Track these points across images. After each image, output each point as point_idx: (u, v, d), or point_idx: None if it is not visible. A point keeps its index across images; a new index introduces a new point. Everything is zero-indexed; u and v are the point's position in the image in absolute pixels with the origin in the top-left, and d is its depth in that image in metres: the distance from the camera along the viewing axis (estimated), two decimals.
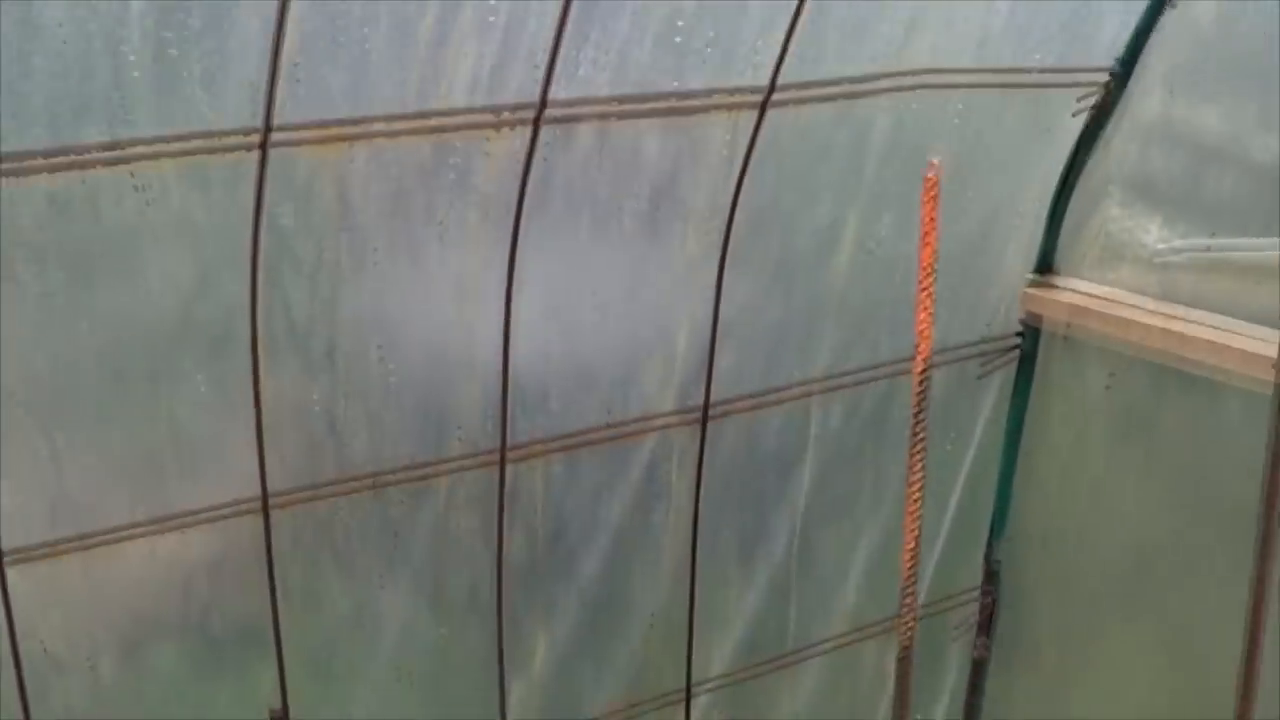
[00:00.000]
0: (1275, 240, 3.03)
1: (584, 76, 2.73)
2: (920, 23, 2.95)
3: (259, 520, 2.70)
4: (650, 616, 3.25)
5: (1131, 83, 3.28)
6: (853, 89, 3.00)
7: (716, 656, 3.40)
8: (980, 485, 3.70)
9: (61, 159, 2.34)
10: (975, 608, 3.78)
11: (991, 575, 3.78)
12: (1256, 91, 3.06)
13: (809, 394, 3.30)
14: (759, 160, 2.99)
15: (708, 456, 3.19)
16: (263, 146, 2.49)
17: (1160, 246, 3.29)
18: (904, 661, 2.88)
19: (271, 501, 2.70)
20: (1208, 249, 3.19)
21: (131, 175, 2.41)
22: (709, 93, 2.86)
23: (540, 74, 2.66)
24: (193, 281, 2.55)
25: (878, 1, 2.89)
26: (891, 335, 3.36)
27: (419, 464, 2.86)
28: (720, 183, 3.00)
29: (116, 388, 2.54)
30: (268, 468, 2.68)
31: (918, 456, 2.74)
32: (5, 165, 2.30)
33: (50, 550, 2.56)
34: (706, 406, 3.15)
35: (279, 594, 2.75)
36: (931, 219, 2.75)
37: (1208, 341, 3.13)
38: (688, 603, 3.27)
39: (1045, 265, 3.52)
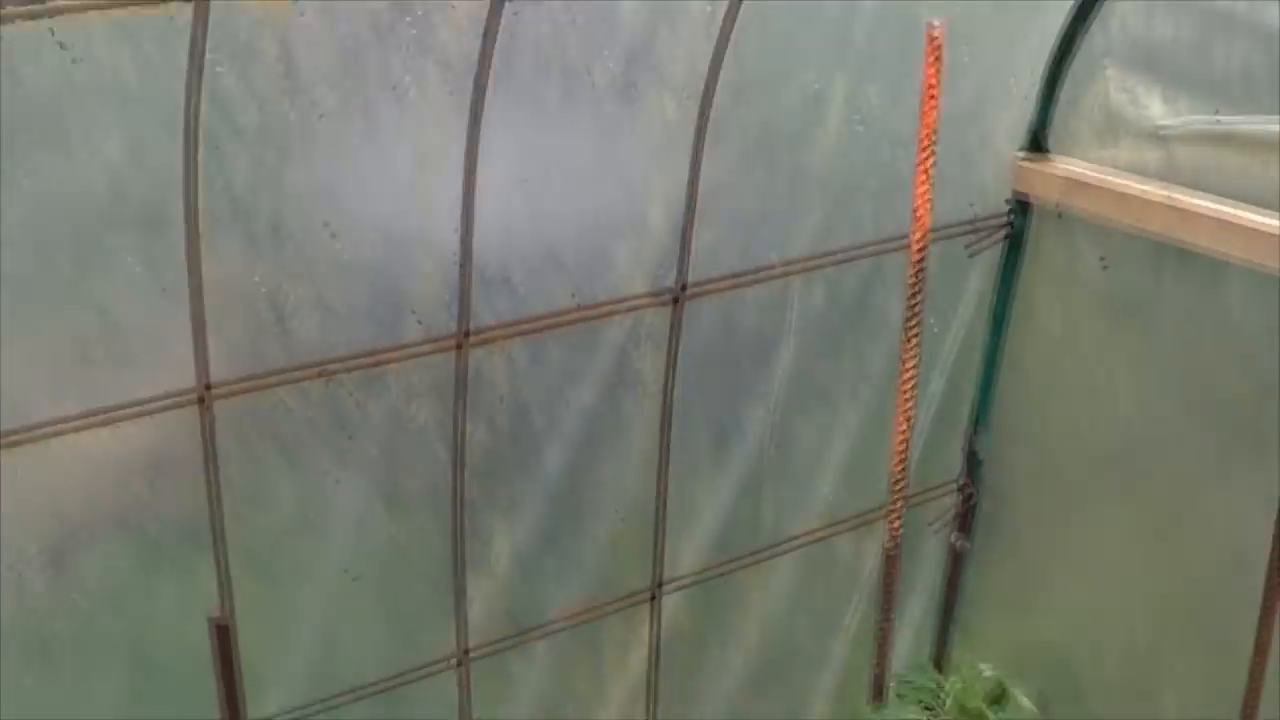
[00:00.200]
0: None
1: None
2: None
3: (198, 412, 2.50)
4: (618, 511, 3.10)
5: None
6: None
7: (687, 553, 3.27)
8: (963, 372, 3.58)
9: None
10: (955, 500, 3.68)
11: (972, 467, 3.66)
12: None
13: (789, 274, 3.14)
14: (742, 24, 2.79)
15: (681, 341, 3.02)
16: None
17: (1162, 122, 3.13)
18: (892, 559, 2.77)
19: (212, 392, 2.50)
20: (1216, 123, 3.04)
21: (53, 32, 2.17)
22: None
23: None
24: (123, 151, 2.32)
25: None
26: (876, 214, 3.21)
27: (372, 351, 2.67)
28: (700, 47, 2.80)
29: (40, 270, 2.31)
30: (208, 356, 2.47)
31: (913, 339, 2.61)
32: None
33: None
34: (681, 288, 2.98)
35: (220, 492, 2.55)
36: (934, 82, 2.60)
37: (1211, 220, 2.99)
38: (657, 497, 3.13)
39: (1038, 141, 3.35)
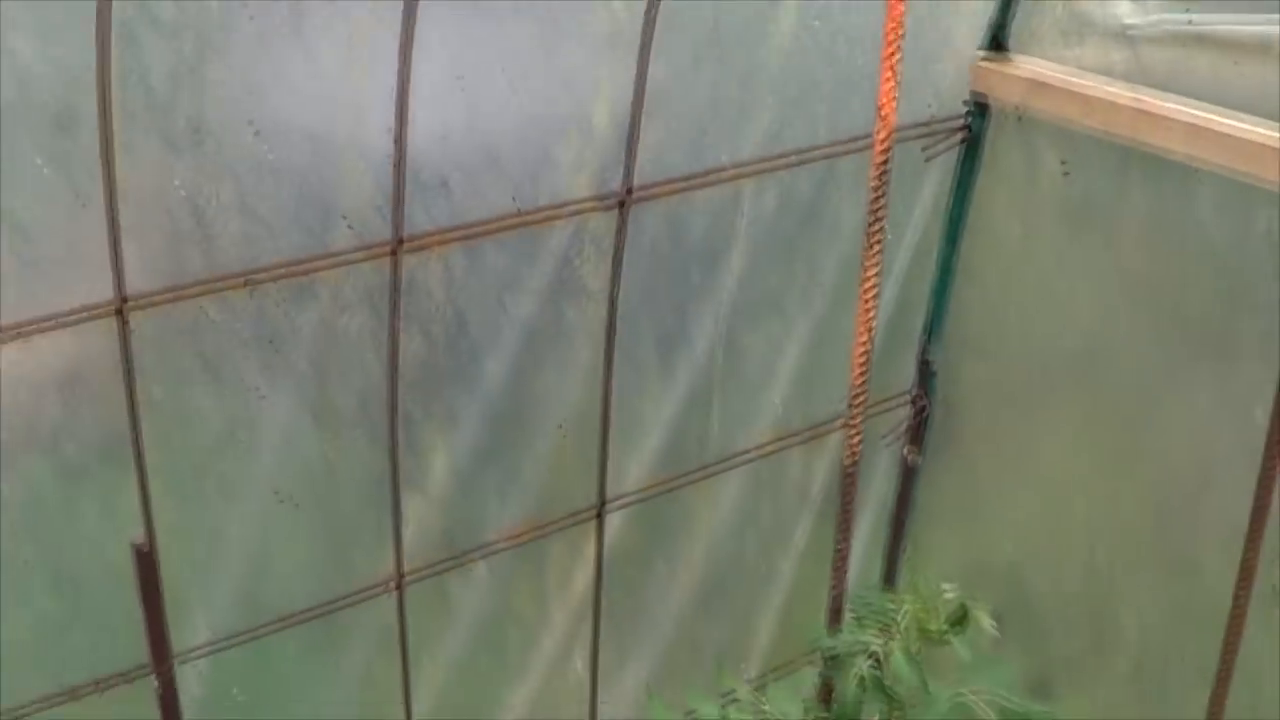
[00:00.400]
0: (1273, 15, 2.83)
1: None
2: None
3: (115, 326, 2.37)
4: (560, 426, 3.00)
5: None
6: None
7: (632, 469, 3.19)
8: (916, 281, 3.49)
9: None
10: (907, 413, 3.62)
11: (925, 379, 3.60)
12: None
13: (740, 177, 3.03)
14: None
15: (627, 247, 2.91)
16: None
17: (1130, 21, 3.02)
18: (850, 476, 2.69)
19: (129, 305, 2.36)
20: (1187, 24, 2.95)
21: None
22: None
23: None
24: (30, 44, 2.16)
25: None
26: (832, 115, 3.10)
27: (300, 259, 2.54)
28: None
29: None
30: (124, 266, 2.33)
31: (875, 244, 2.50)
32: None
33: None
34: (626, 191, 2.86)
35: (141, 410, 2.43)
36: None
37: (1182, 124, 2.88)
38: (602, 410, 3.03)
39: (998, 40, 3.24)
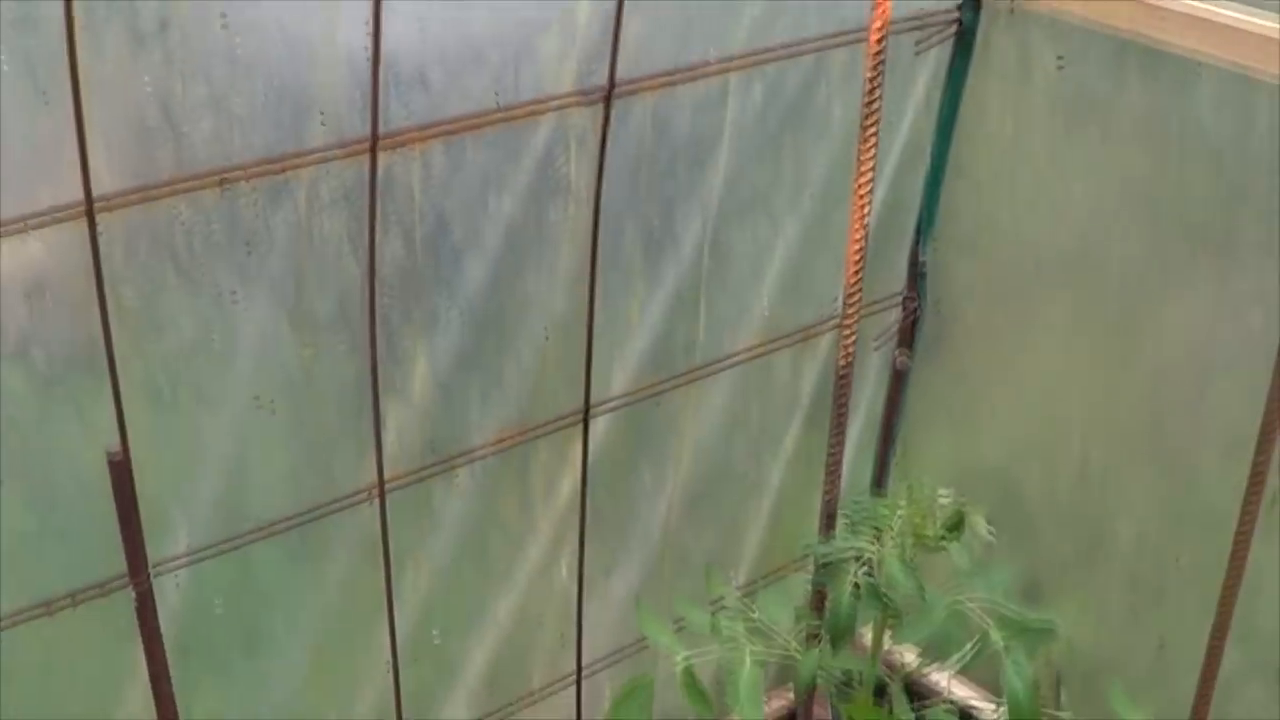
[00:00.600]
0: None
1: None
2: None
3: (84, 229, 2.31)
4: (545, 330, 2.97)
5: None
6: None
7: (618, 373, 3.16)
8: (907, 181, 3.46)
9: None
10: (897, 315, 3.60)
11: (916, 280, 3.57)
12: None
13: (727, 71, 2.98)
14: None
15: (611, 144, 2.86)
16: None
17: None
18: (843, 378, 2.67)
19: (97, 206, 2.31)
20: None
21: None
22: None
23: None
24: None
25: None
26: (821, 6, 3.04)
27: (274, 158, 2.48)
28: None
29: None
30: (91, 166, 2.27)
31: (870, 138, 2.47)
32: None
33: None
34: (611, 86, 2.80)
35: (112, 316, 2.38)
36: None
37: (1184, 16, 2.84)
38: (586, 313, 3.00)
39: None
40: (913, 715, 2.92)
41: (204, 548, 2.69)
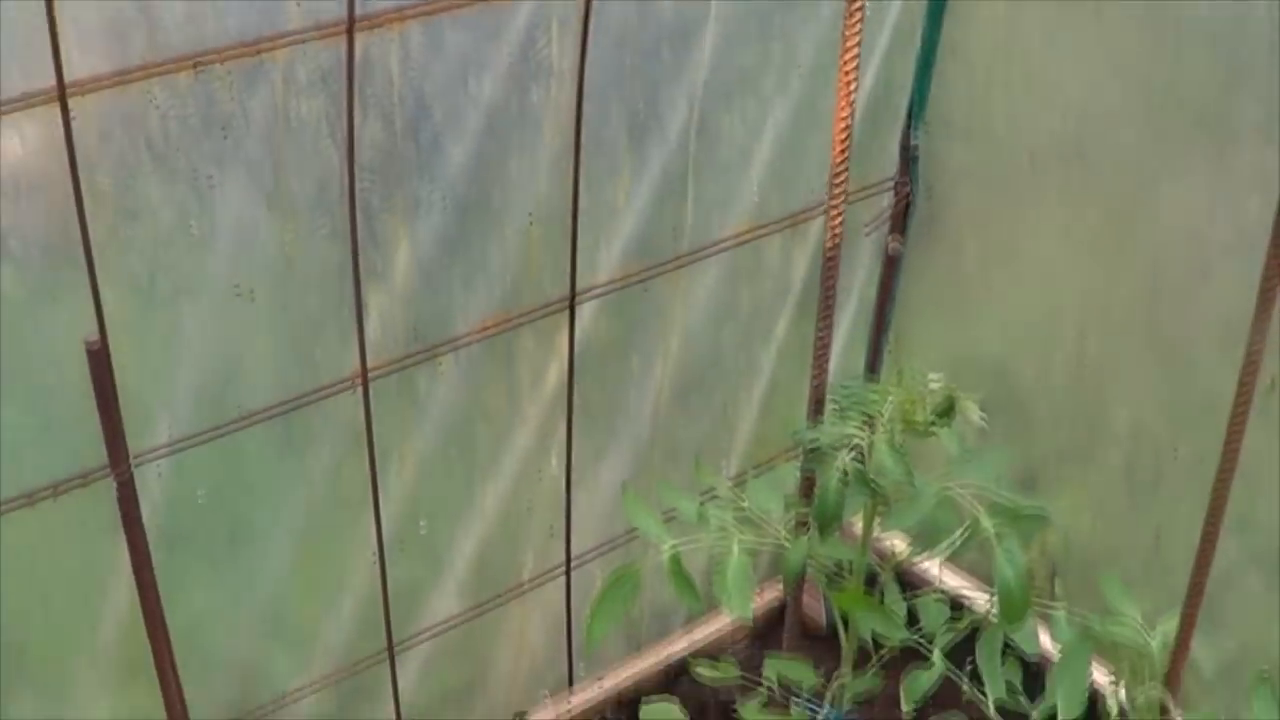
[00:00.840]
0: None
1: None
2: None
3: (56, 115, 2.30)
4: (528, 215, 2.96)
5: None
6: None
7: (605, 259, 3.16)
8: (898, 63, 3.44)
9: None
10: (889, 200, 3.59)
11: (908, 165, 3.56)
12: None
13: None
14: None
15: (594, 22, 2.83)
16: None
17: None
18: (831, 259, 2.66)
19: (70, 91, 2.29)
20: None
21: None
22: None
23: None
24: None
25: None
26: None
27: (250, 40, 2.46)
28: None
29: None
30: (62, 50, 2.25)
31: (855, 12, 2.44)
32: None
33: None
34: None
35: (88, 204, 2.37)
36: None
37: None
38: (571, 198, 3.00)
39: None
40: (903, 604, 2.95)
41: (187, 436, 2.71)
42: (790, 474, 3.01)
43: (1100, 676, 3.10)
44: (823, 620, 3.81)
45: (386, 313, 2.85)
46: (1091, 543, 3.50)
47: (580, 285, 3.10)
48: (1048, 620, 2.86)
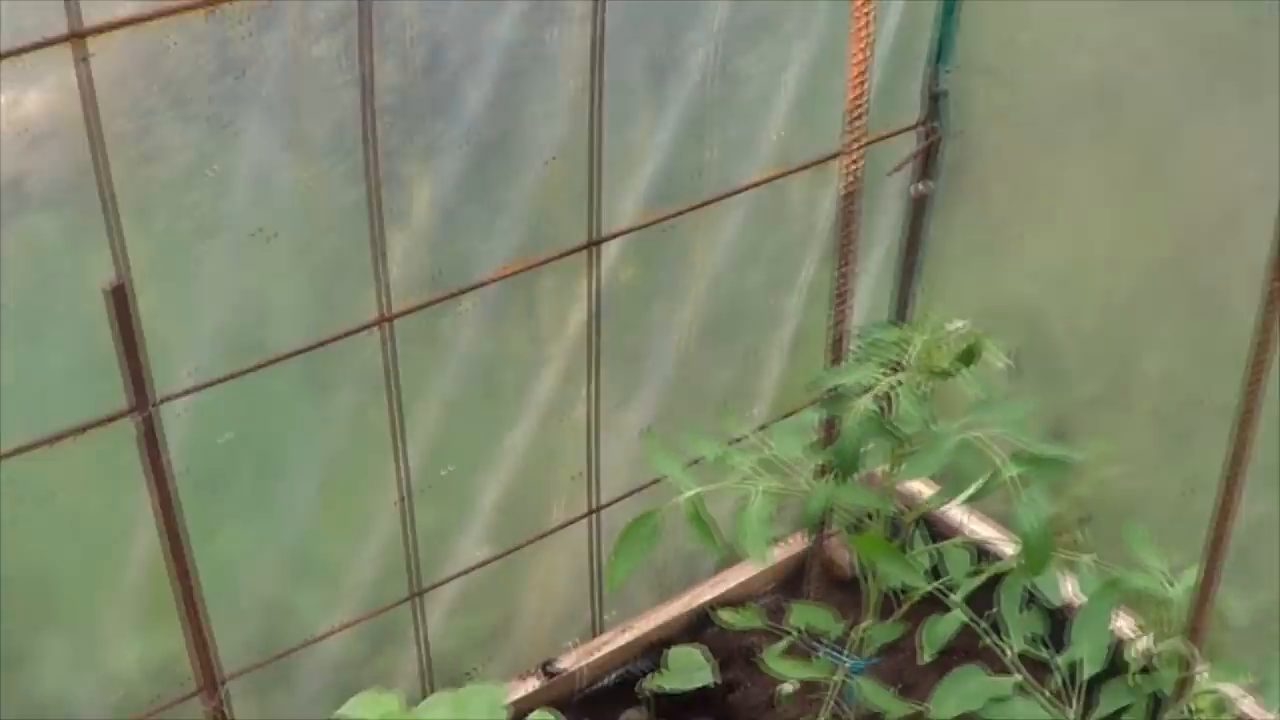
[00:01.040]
0: None
1: None
2: None
3: (70, 57, 2.30)
4: (549, 158, 2.96)
5: None
6: None
7: (626, 202, 3.15)
8: (924, 2, 3.40)
9: None
10: (916, 143, 3.57)
11: (935, 107, 3.53)
12: None
13: None
14: None
15: None
16: None
17: None
18: (849, 197, 2.66)
19: (86, 34, 2.28)
20: None
21: None
22: None
23: None
24: None
25: None
26: None
27: None
28: None
29: None
30: None
31: None
32: None
33: None
34: None
35: (105, 148, 2.38)
36: None
37: None
38: (591, 139, 2.98)
39: None
40: (926, 551, 2.96)
41: (210, 381, 2.73)
42: (815, 419, 3.02)
43: (1125, 628, 3.11)
44: (849, 568, 3.82)
45: (408, 254, 2.86)
46: (1122, 493, 3.47)
47: (603, 227, 3.09)
48: (1074, 570, 2.86)
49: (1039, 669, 2.87)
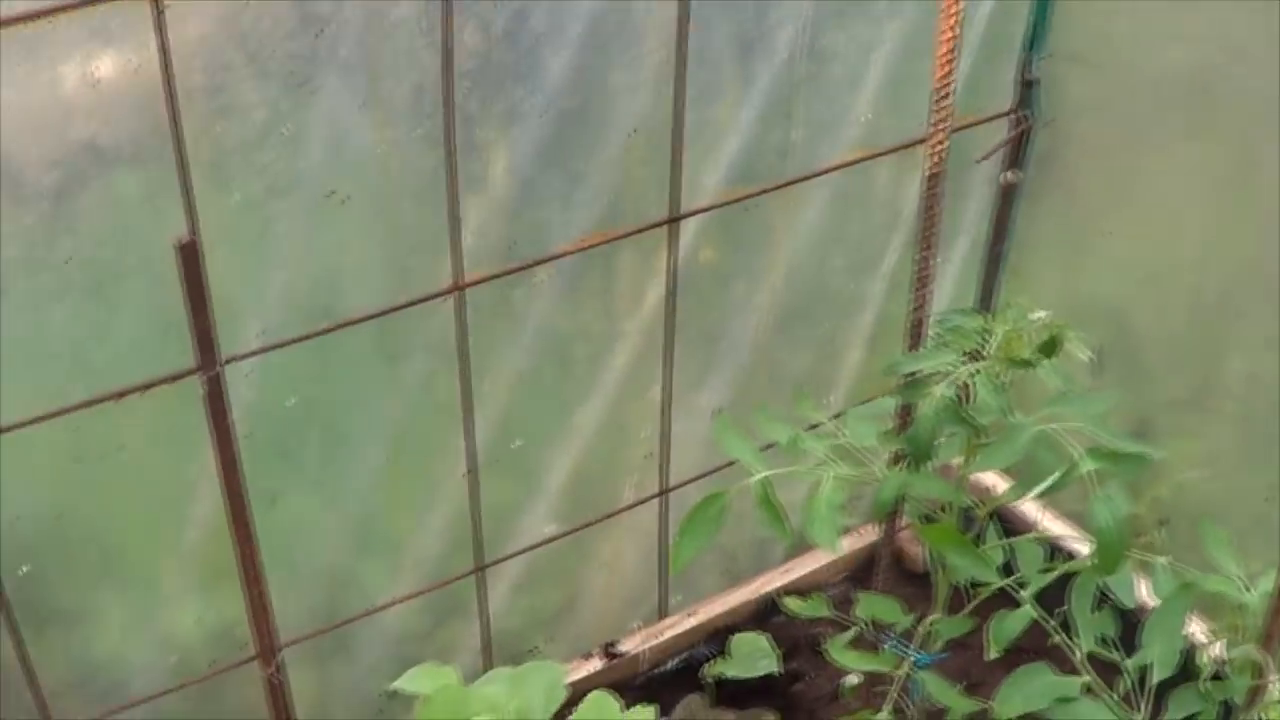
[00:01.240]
0: None
1: None
2: None
3: (149, 13, 2.26)
4: (630, 130, 2.89)
5: None
6: None
7: (708, 179, 3.07)
8: None
9: None
10: (1005, 131, 3.46)
11: (1026, 95, 3.43)
12: None
13: None
14: None
15: None
16: None
17: None
18: (934, 179, 2.57)
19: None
20: None
21: None
22: None
23: None
24: None
25: None
26: None
27: None
28: None
29: None
30: None
31: None
32: None
33: None
34: None
35: (181, 103, 2.34)
36: None
37: None
38: (675, 115, 2.91)
39: None
40: (998, 546, 2.87)
41: (278, 342, 2.69)
42: (891, 407, 2.94)
43: (1198, 633, 3.01)
44: (921, 561, 3.74)
45: (483, 223, 2.80)
46: (1202, 496, 3.37)
47: (683, 204, 3.02)
48: (1150, 572, 2.76)
49: (1107, 671, 2.77)
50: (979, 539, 2.84)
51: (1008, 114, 3.45)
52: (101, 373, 2.54)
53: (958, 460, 2.74)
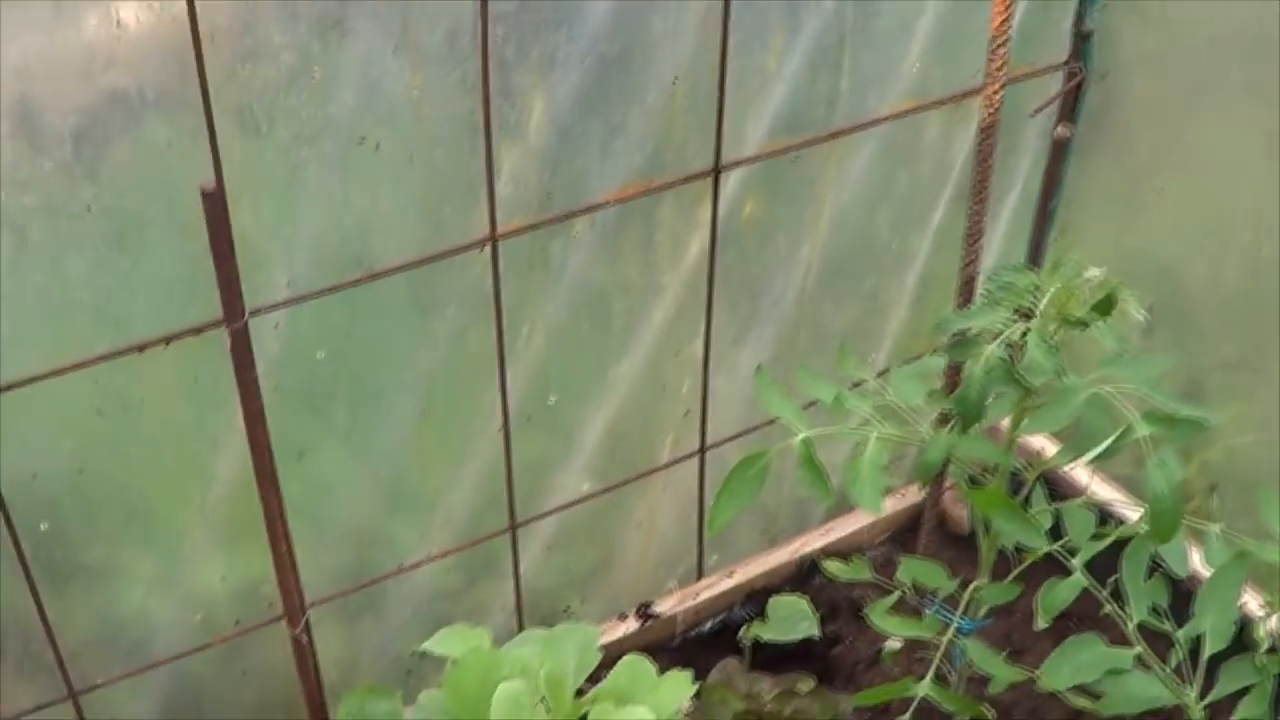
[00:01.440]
0: None
1: None
2: None
3: None
4: (672, 78, 2.76)
5: None
6: None
7: (751, 129, 2.95)
8: None
9: None
10: (1059, 84, 3.33)
11: (1080, 48, 3.30)
12: None
13: None
14: None
15: None
16: None
17: None
18: (988, 131, 2.46)
19: None
20: None
21: None
22: None
23: None
24: None
25: None
26: None
27: None
28: None
29: None
30: None
31: None
32: None
33: None
34: None
35: (204, 43, 2.23)
36: None
37: None
38: (719, 63, 2.79)
39: None
40: (1047, 510, 2.76)
41: (306, 293, 2.59)
42: (938, 366, 2.83)
43: (1253, 604, 2.89)
44: (966, 524, 3.64)
45: (519, 172, 2.68)
46: (1254, 461, 3.26)
47: (726, 155, 2.90)
48: (1201, 540, 2.65)
49: (1157, 641, 2.66)
50: (1026, 503, 2.74)
51: (1063, 66, 3.32)
52: (124, 324, 2.45)
53: (1006, 421, 2.64)
